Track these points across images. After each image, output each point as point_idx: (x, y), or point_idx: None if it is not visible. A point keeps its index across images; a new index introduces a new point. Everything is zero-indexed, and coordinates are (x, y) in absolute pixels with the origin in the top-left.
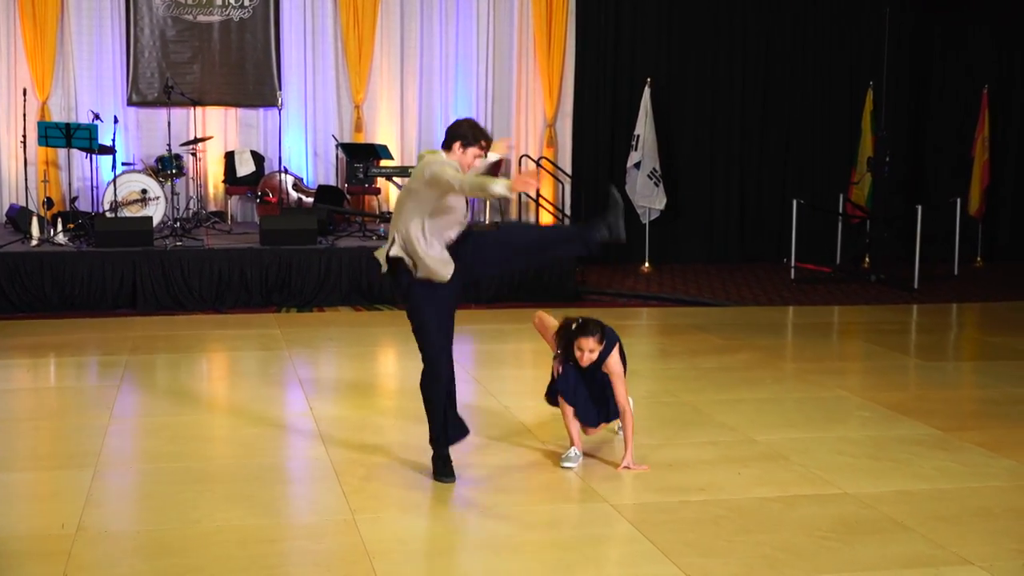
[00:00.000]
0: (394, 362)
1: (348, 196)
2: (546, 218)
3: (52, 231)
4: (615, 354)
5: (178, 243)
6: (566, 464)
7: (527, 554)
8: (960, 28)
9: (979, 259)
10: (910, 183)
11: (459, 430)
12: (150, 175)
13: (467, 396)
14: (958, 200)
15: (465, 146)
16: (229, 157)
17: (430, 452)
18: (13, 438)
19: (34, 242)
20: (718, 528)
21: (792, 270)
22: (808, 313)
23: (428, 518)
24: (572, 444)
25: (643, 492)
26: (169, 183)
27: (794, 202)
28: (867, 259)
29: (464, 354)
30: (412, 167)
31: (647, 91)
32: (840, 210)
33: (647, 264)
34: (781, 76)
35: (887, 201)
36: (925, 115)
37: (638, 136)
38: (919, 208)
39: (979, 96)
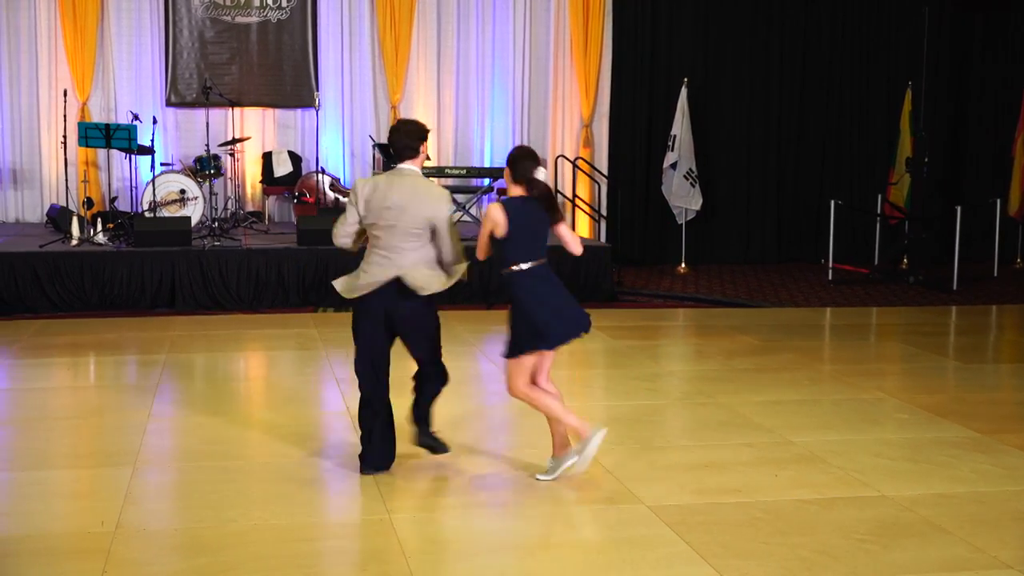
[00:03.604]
0: None
1: None
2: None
3: (92, 231)
4: None
5: (216, 243)
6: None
7: (562, 555)
8: (1000, 26)
9: (1019, 260)
10: (949, 183)
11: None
12: (188, 175)
13: (495, 398)
14: (998, 200)
15: None
16: (267, 157)
17: (467, 451)
18: (53, 436)
19: (74, 242)
20: (755, 530)
21: (830, 271)
22: (845, 314)
23: (464, 518)
24: (566, 446)
25: (679, 493)
26: (207, 183)
27: (832, 203)
28: (905, 260)
29: (497, 354)
30: (449, 167)
31: (684, 91)
32: (878, 211)
33: (683, 265)
34: (819, 75)
35: (926, 202)
36: (964, 115)
37: (675, 136)
38: (958, 209)
39: (1019, 95)
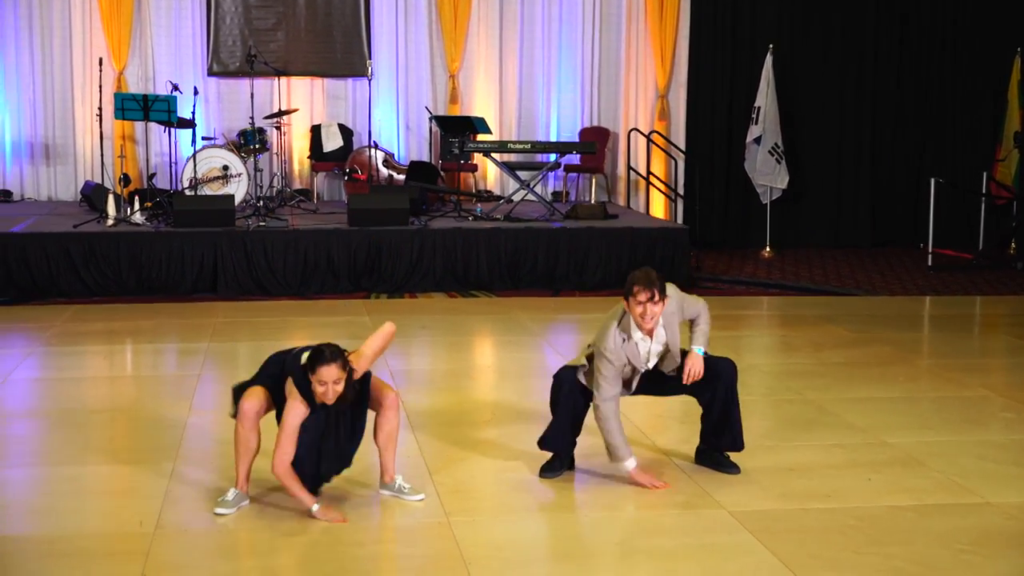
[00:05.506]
0: (491, 353)
1: (443, 173)
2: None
3: (129, 210)
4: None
5: (261, 223)
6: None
7: (635, 564)
8: None
9: None
10: None
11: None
12: (232, 150)
13: None
14: None
15: (627, 298)
16: (315, 131)
17: (532, 450)
18: (88, 430)
19: (110, 221)
20: (846, 539)
21: (929, 256)
22: (947, 304)
23: (528, 523)
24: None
25: (764, 499)
26: (252, 159)
27: (932, 181)
28: (1013, 244)
29: (565, 345)
30: (512, 142)
31: (769, 58)
32: (983, 190)
33: (768, 248)
34: (917, 41)
35: None
36: None
37: (759, 108)
38: None
39: None
